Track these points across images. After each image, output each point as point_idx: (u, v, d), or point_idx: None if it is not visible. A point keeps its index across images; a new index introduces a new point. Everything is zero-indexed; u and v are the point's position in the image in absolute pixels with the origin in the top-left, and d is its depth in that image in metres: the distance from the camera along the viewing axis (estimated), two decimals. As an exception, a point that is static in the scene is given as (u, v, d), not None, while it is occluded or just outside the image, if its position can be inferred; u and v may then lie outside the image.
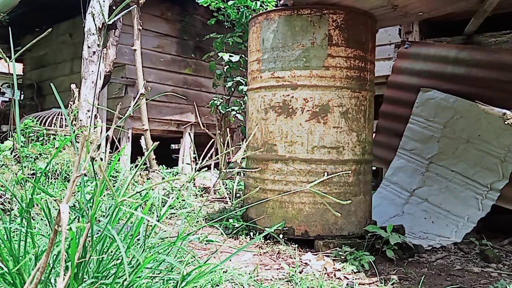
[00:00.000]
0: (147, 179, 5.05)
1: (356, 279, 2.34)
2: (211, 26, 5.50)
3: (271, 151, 3.08)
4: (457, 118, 3.80)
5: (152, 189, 3.31)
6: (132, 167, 4.96)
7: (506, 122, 2.59)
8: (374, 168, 4.26)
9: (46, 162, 4.15)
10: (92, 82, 4.89)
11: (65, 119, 5.55)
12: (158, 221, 1.63)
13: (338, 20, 2.99)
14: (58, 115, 5.67)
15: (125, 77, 6.57)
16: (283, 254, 2.76)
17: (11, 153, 4.35)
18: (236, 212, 3.33)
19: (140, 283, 1.49)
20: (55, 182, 3.87)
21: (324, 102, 2.98)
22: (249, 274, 2.22)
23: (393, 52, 4.99)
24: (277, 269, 2.47)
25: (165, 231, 2.24)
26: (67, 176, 3.96)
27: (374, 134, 3.64)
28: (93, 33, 4.94)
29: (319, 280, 2.21)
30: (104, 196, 3.22)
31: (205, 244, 2.76)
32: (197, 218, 3.49)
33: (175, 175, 5.58)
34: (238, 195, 4.48)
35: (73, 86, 5.17)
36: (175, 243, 1.63)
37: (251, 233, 3.11)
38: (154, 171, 5.36)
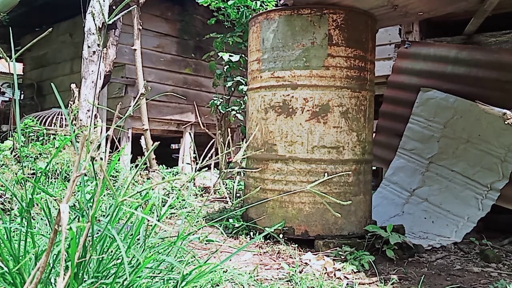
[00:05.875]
0: (147, 178, 5.05)
1: (356, 278, 2.34)
2: (211, 26, 5.49)
3: (271, 151, 3.08)
4: (457, 118, 3.80)
5: (152, 189, 3.32)
6: (132, 167, 4.96)
7: (506, 122, 2.59)
8: (374, 168, 4.26)
9: (46, 162, 4.15)
10: (92, 81, 4.89)
11: (65, 118, 5.55)
12: (158, 220, 1.63)
13: (338, 20, 2.98)
14: (58, 114, 5.67)
15: (125, 77, 6.57)
16: (283, 254, 2.76)
17: (11, 153, 4.35)
18: (236, 212, 3.33)
19: (140, 282, 1.49)
20: (55, 182, 3.87)
21: (324, 102, 2.98)
22: (249, 274, 2.22)
23: (393, 52, 5.00)
24: (277, 269, 2.47)
25: (165, 231, 2.24)
26: (67, 176, 3.96)
27: (374, 134, 3.64)
28: (93, 33, 4.94)
29: (319, 280, 2.21)
30: (104, 196, 3.22)
31: (205, 244, 2.76)
32: (197, 218, 3.50)
33: (175, 175, 5.58)
34: (238, 195, 4.48)
35: (73, 86, 5.17)
36: (175, 243, 1.63)
37: (251, 233, 3.11)
38: (154, 171, 5.36)
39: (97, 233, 1.44)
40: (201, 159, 2.22)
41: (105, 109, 6.09)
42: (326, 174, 2.92)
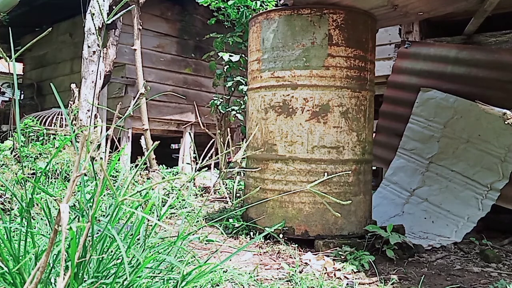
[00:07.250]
0: (147, 178, 5.05)
1: (356, 278, 2.34)
2: (211, 25, 5.49)
3: (271, 151, 3.08)
4: (457, 118, 3.80)
5: (152, 189, 3.32)
6: (132, 167, 4.96)
7: (506, 122, 2.59)
8: (374, 168, 4.26)
9: (46, 161, 4.15)
10: (92, 81, 4.89)
11: (65, 118, 5.54)
12: (158, 220, 1.63)
13: (338, 20, 2.98)
14: (58, 114, 5.67)
15: (125, 76, 6.57)
16: (283, 253, 2.76)
17: (11, 153, 4.34)
18: (236, 212, 3.33)
19: (140, 282, 1.49)
20: (55, 182, 3.87)
21: (324, 101, 2.98)
22: (249, 273, 2.22)
23: (393, 52, 5.00)
24: (277, 268, 2.47)
25: (165, 230, 2.24)
26: (67, 176, 3.96)
27: (374, 134, 3.64)
28: (93, 33, 4.94)
29: (319, 280, 2.21)
30: (104, 195, 3.22)
31: (205, 243, 2.76)
32: (197, 218, 3.49)
33: (175, 175, 5.58)
34: (238, 195, 4.48)
35: (73, 85, 5.17)
36: (175, 242, 1.63)
37: (251, 233, 3.11)
38: (154, 171, 5.36)
39: (97, 233, 1.44)
40: (201, 159, 2.22)
41: (105, 109, 6.09)
42: (326, 174, 2.92)
